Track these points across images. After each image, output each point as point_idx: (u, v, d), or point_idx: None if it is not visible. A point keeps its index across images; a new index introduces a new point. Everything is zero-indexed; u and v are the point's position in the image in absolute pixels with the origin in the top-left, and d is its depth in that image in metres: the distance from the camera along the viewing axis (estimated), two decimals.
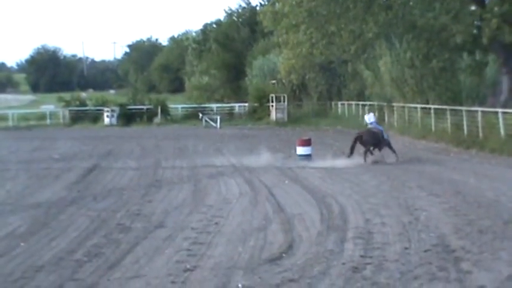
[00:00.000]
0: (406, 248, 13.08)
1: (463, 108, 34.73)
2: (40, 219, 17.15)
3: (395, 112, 44.17)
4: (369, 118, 29.85)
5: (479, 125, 32.30)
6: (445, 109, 36.55)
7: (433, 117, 37.83)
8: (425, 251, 12.85)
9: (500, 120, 30.99)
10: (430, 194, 19.54)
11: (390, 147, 28.71)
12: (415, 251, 12.85)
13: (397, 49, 42.14)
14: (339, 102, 57.43)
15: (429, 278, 11.12)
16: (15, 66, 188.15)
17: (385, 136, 29.01)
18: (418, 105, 40.28)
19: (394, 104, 44.16)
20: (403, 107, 42.63)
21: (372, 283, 10.96)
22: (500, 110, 31.88)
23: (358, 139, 28.42)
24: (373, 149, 28.49)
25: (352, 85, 55.43)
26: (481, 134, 32.06)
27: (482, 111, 32.71)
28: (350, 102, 54.57)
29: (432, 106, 38.43)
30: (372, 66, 46.80)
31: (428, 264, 11.91)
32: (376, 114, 42.04)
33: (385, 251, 12.89)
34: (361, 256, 12.58)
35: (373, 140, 28.34)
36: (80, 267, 12.36)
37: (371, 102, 48.37)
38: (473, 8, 38.45)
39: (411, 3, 41.48)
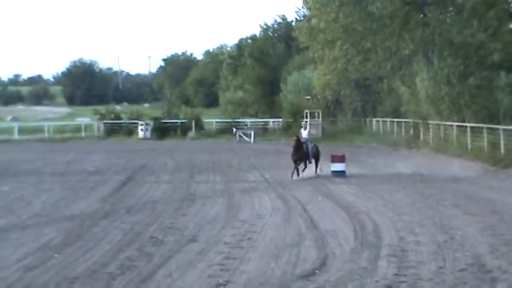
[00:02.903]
0: (440, 267, 12.96)
1: (501, 127, 34.32)
2: (74, 231, 17.26)
3: (430, 130, 43.81)
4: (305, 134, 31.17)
5: None
6: (482, 127, 36.07)
7: (469, 135, 37.42)
8: (461, 270, 12.72)
9: None
10: (465, 213, 19.37)
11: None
12: (450, 271, 12.72)
13: (434, 66, 41.78)
14: (374, 119, 57.15)
15: None
16: (51, 79, 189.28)
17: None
18: (454, 123, 39.90)
19: (430, 121, 43.78)
20: (439, 124, 42.29)
21: None
22: None
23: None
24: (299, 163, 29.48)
25: (387, 102, 55.05)
26: None
27: None
28: (385, 119, 54.29)
29: (468, 124, 38.00)
30: (408, 82, 46.46)
31: (464, 284, 11.79)
32: (411, 131, 41.91)
33: (420, 270, 12.78)
34: (395, 274, 12.48)
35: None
36: (113, 280, 12.40)
37: (406, 120, 48.04)
38: None
39: (448, 20, 41.37)
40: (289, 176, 28.64)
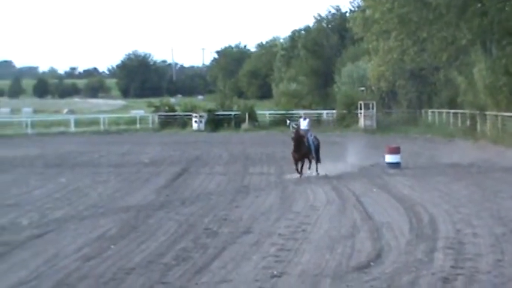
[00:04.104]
0: (499, 260, 12.83)
1: None
2: (130, 223, 17.48)
3: (488, 121, 43.24)
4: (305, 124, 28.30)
5: None
6: None
7: None
8: None
9: None
10: None
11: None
12: (509, 263, 12.59)
13: (492, 55, 41.22)
14: (430, 110, 56.58)
15: None
16: (106, 72, 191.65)
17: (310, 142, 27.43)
18: None
19: (487, 112, 43.22)
20: (497, 115, 41.71)
21: None
22: None
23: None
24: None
25: (443, 92, 54.49)
26: None
27: None
28: (441, 110, 53.73)
29: None
30: (465, 73, 45.89)
31: None
32: (468, 122, 41.34)
33: (477, 263, 12.68)
34: (452, 267, 12.40)
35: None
36: (168, 271, 12.54)
37: (463, 111, 47.49)
38: None
39: (507, 8, 40.70)
40: (295, 175, 26.38)
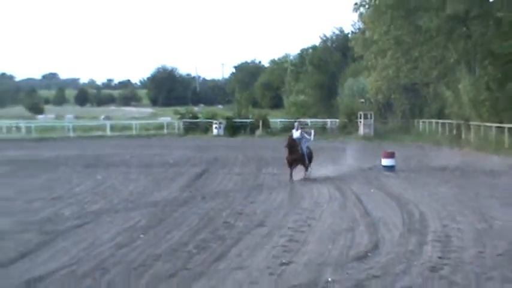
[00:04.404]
0: (480, 252, 12.79)
1: None
2: (157, 216, 17.48)
3: (471, 130, 43.08)
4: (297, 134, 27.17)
5: None
6: None
7: (506, 135, 36.79)
8: (499, 255, 12.54)
9: None
10: (502, 204, 19.05)
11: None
12: (489, 255, 12.54)
13: (475, 73, 41.20)
14: (421, 120, 56.33)
15: (502, 280, 10.85)
16: (138, 83, 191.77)
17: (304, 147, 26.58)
18: (493, 124, 39.19)
19: (471, 122, 43.07)
20: (479, 125, 41.56)
21: (448, 282, 10.76)
22: None
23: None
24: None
25: (433, 105, 54.27)
26: None
27: None
28: (430, 120, 53.50)
29: (506, 125, 37.33)
30: (452, 88, 45.79)
31: (501, 267, 11.61)
32: (454, 131, 41.13)
33: (461, 254, 12.65)
34: (439, 257, 12.37)
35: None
36: (190, 258, 12.54)
37: (450, 121, 47.29)
38: None
39: (489, 33, 40.67)
40: (289, 179, 25.49)
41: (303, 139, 26.80)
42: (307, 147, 26.97)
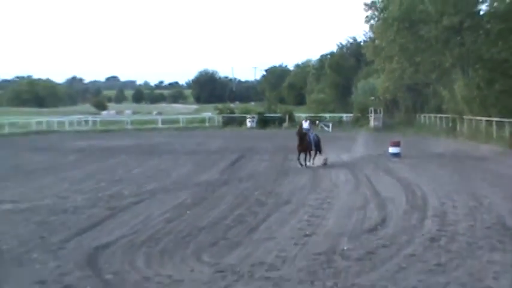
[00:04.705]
0: (472, 225, 12.73)
1: None
2: (201, 195, 17.59)
3: (465, 123, 42.61)
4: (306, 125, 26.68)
5: None
6: (504, 121, 35.22)
7: (494, 127, 36.43)
8: (487, 228, 12.47)
9: None
10: (491, 185, 18.86)
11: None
12: (479, 228, 12.49)
13: (468, 75, 40.91)
14: (422, 115, 55.83)
15: (490, 248, 10.80)
16: (185, 84, 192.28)
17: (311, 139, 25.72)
18: (483, 118, 38.76)
19: (464, 116, 42.61)
20: (471, 119, 41.10)
21: (445, 250, 10.73)
22: None
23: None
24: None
25: (432, 102, 53.72)
26: None
27: None
28: (430, 114, 52.97)
29: (494, 119, 36.93)
30: (448, 87, 45.33)
31: (489, 238, 11.55)
32: (450, 124, 40.70)
33: (456, 227, 12.59)
34: (437, 230, 12.33)
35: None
36: (228, 230, 12.63)
37: (446, 115, 46.80)
38: None
39: (479, 41, 40.39)
40: (298, 165, 24.78)
41: (310, 130, 26.46)
42: (315, 135, 26.35)
